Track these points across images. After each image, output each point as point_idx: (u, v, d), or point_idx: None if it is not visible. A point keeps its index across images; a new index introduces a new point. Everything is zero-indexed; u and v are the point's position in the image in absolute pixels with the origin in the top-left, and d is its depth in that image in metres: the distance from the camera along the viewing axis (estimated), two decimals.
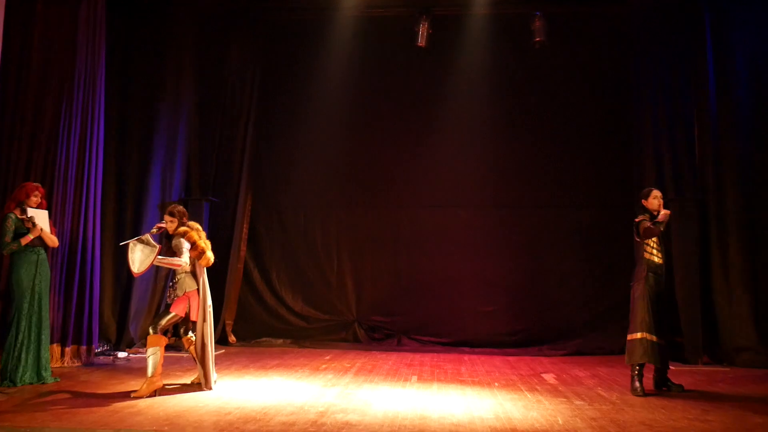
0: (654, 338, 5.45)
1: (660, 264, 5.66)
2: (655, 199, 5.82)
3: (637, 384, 5.43)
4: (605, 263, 8.57)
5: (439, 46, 8.86)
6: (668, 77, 8.02)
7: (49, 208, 5.95)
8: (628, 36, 8.57)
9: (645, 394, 5.34)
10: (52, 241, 5.72)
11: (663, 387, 5.61)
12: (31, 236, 5.50)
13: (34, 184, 5.77)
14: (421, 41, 8.63)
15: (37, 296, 5.56)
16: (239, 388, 5.48)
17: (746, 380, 6.27)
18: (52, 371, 5.71)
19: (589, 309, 8.59)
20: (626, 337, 5.63)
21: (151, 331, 5.22)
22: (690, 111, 7.96)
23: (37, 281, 5.55)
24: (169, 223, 5.47)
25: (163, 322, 5.28)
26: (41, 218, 5.62)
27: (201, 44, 8.69)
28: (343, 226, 9.22)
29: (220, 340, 8.45)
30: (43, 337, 5.61)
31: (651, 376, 5.66)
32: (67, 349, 6.46)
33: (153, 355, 5.18)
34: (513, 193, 8.97)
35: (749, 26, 7.66)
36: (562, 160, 8.95)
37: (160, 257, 5.31)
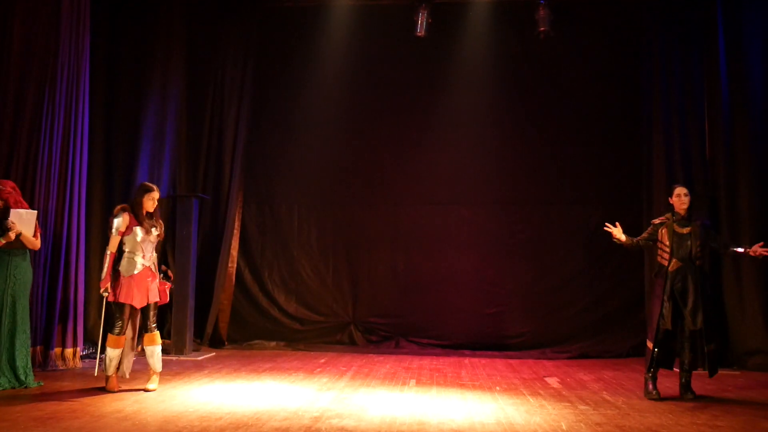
0: (649, 344, 5.55)
1: (664, 266, 5.61)
2: (677, 197, 5.67)
3: (651, 387, 5.49)
4: (613, 262, 8.58)
5: (439, 36, 8.84)
6: (679, 70, 8.03)
7: (31, 206, 5.94)
8: (637, 26, 8.59)
9: (660, 398, 5.38)
10: (33, 244, 5.65)
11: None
12: (2, 240, 5.42)
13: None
14: (421, 31, 8.59)
15: (10, 299, 5.53)
16: (230, 393, 5.53)
17: (758, 385, 6.33)
18: (34, 375, 5.72)
19: (595, 310, 8.61)
20: (643, 338, 5.72)
21: (152, 329, 5.57)
22: (702, 105, 8.00)
23: (9, 283, 5.52)
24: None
25: (152, 315, 5.57)
26: (26, 220, 5.55)
27: (191, 33, 8.70)
28: (340, 223, 9.23)
29: (213, 343, 8.49)
30: (17, 341, 5.57)
31: (673, 381, 5.72)
32: (51, 353, 6.46)
33: (159, 352, 5.59)
34: (516, 189, 8.99)
35: (763, 15, 7.69)
36: (568, 155, 8.96)
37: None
